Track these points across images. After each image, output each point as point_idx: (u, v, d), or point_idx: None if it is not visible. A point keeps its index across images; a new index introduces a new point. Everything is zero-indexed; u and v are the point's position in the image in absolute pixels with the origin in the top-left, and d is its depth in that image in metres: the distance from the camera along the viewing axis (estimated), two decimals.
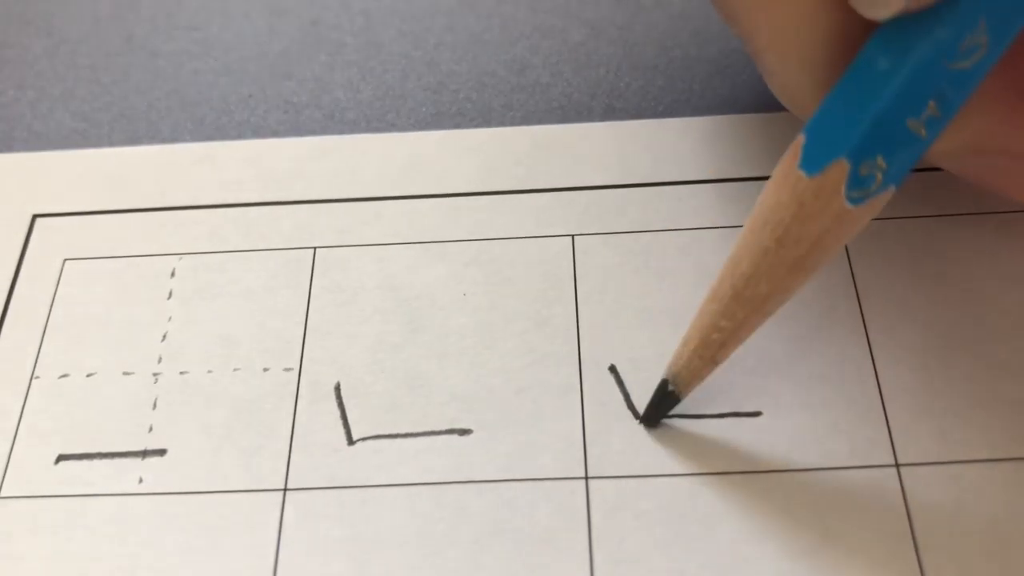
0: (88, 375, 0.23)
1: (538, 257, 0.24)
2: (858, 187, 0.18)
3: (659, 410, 0.21)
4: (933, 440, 0.21)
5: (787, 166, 0.18)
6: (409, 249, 0.25)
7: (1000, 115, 0.19)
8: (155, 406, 0.23)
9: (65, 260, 0.25)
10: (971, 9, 0.17)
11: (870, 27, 0.18)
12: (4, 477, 0.22)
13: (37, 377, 0.23)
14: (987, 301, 0.23)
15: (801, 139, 0.18)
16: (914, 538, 0.20)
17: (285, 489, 0.21)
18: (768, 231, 0.18)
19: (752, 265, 0.19)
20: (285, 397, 0.23)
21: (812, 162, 0.18)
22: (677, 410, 0.22)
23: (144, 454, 0.22)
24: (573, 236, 0.24)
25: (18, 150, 0.27)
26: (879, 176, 0.18)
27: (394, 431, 0.22)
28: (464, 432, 0.22)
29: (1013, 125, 0.19)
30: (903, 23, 0.17)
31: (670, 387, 0.21)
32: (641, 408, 0.22)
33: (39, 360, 0.23)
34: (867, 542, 0.20)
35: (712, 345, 0.20)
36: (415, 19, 0.30)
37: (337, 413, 0.22)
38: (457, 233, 0.25)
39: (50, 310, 0.24)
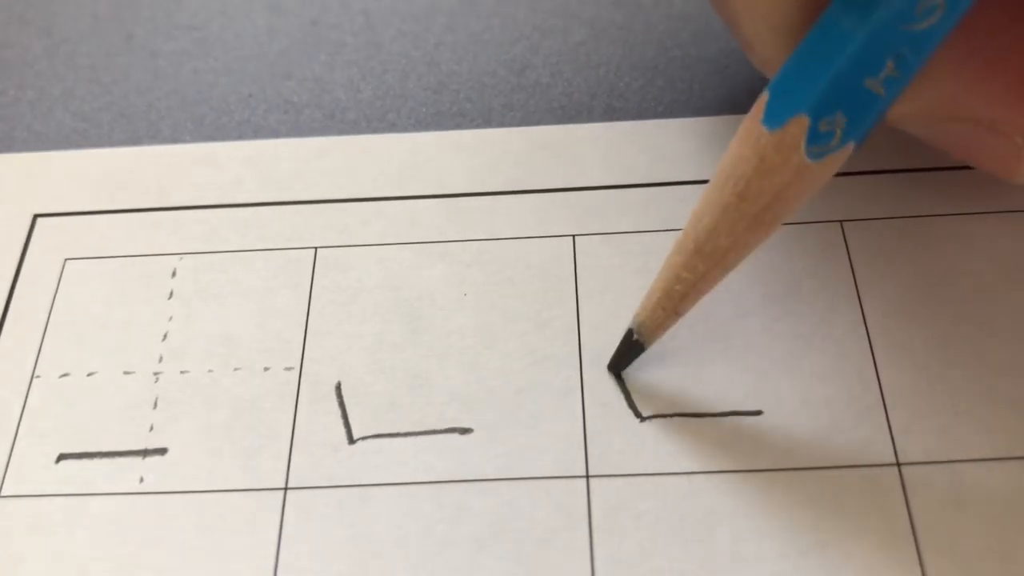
0: (89, 374, 0.23)
1: (539, 257, 0.24)
2: (818, 143, 0.18)
3: (625, 359, 0.22)
4: (934, 439, 0.21)
5: (750, 122, 0.19)
6: (410, 249, 0.25)
7: (964, 82, 0.19)
8: (156, 405, 0.23)
9: (66, 260, 0.25)
10: None
11: None
12: (4, 476, 0.22)
13: (38, 376, 0.23)
14: (987, 300, 0.23)
15: (765, 96, 0.19)
16: (915, 537, 0.20)
17: (286, 488, 0.21)
18: (730, 186, 0.19)
19: (713, 219, 0.19)
20: (286, 397, 0.23)
21: (774, 118, 0.18)
22: (678, 409, 0.22)
23: (145, 453, 0.22)
24: (574, 236, 0.24)
25: (18, 150, 0.27)
26: (838, 132, 0.18)
27: (395, 430, 0.22)
28: (465, 431, 0.22)
29: (977, 93, 0.19)
30: None
31: (635, 336, 0.21)
32: (643, 408, 0.22)
33: (40, 359, 0.23)
34: (868, 541, 0.20)
35: (674, 296, 0.20)
36: (415, 19, 0.30)
37: (338, 412, 0.22)
38: (458, 233, 0.25)
39: (51, 310, 0.24)
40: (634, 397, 0.22)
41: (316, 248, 0.25)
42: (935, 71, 0.18)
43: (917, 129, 0.21)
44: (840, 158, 0.18)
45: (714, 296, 0.23)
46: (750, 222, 0.19)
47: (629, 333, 0.21)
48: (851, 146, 0.18)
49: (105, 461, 0.22)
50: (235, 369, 0.23)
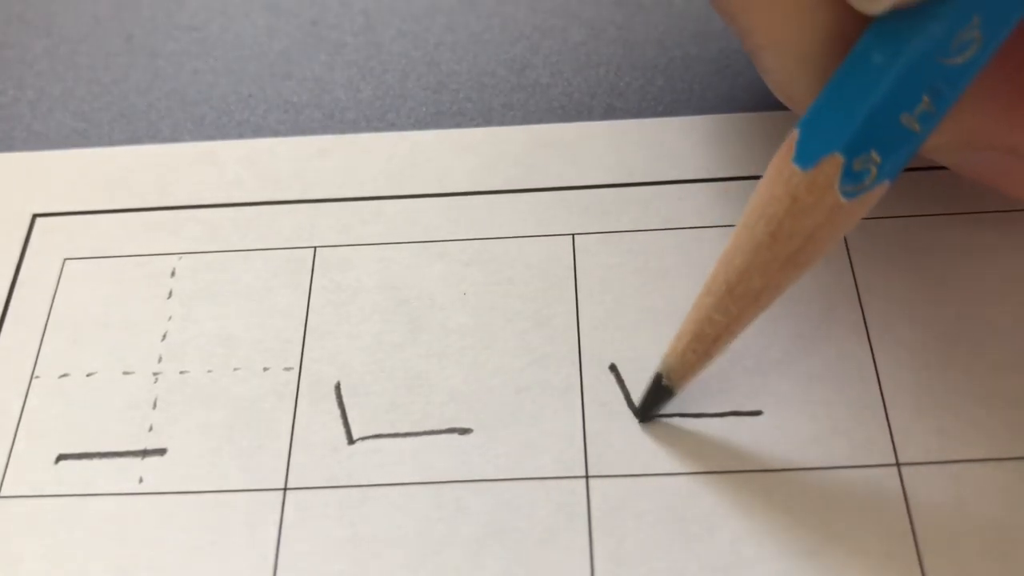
0: (88, 374, 0.23)
1: (538, 256, 0.24)
2: (852, 182, 0.18)
3: (654, 405, 0.21)
4: (934, 439, 0.21)
5: (781, 160, 0.18)
6: (409, 248, 0.25)
7: (996, 112, 0.19)
8: (155, 406, 0.23)
9: (65, 259, 0.25)
10: (964, 5, 0.17)
11: (865, 22, 0.18)
12: (4, 476, 0.22)
13: (37, 376, 0.23)
14: (987, 300, 0.23)
15: (795, 134, 0.18)
16: (915, 537, 0.20)
17: (285, 488, 0.21)
18: (762, 225, 0.18)
19: (746, 260, 0.19)
20: (285, 397, 0.23)
21: (806, 156, 0.18)
22: (677, 409, 0.22)
23: (144, 454, 0.22)
24: (573, 235, 0.24)
25: (18, 150, 0.27)
26: (873, 170, 0.18)
27: (394, 430, 0.22)
28: (464, 431, 0.22)
29: (1009, 122, 0.19)
30: (896, 18, 0.17)
31: (664, 381, 0.21)
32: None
33: (39, 360, 0.23)
34: (868, 541, 0.20)
35: (706, 339, 0.20)
36: (415, 19, 0.30)
37: (337, 412, 0.22)
38: (457, 232, 0.25)
39: (50, 310, 0.24)
40: (634, 397, 0.22)
41: (315, 248, 0.25)
42: (965, 102, 0.18)
43: (943, 158, 0.21)
44: (875, 196, 0.18)
45: None
46: (783, 263, 0.18)
47: (658, 378, 0.21)
48: (886, 184, 0.18)
49: (104, 461, 0.22)
50: (234, 369, 0.23)
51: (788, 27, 0.19)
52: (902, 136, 0.18)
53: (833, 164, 0.18)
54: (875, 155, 0.18)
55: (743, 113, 0.26)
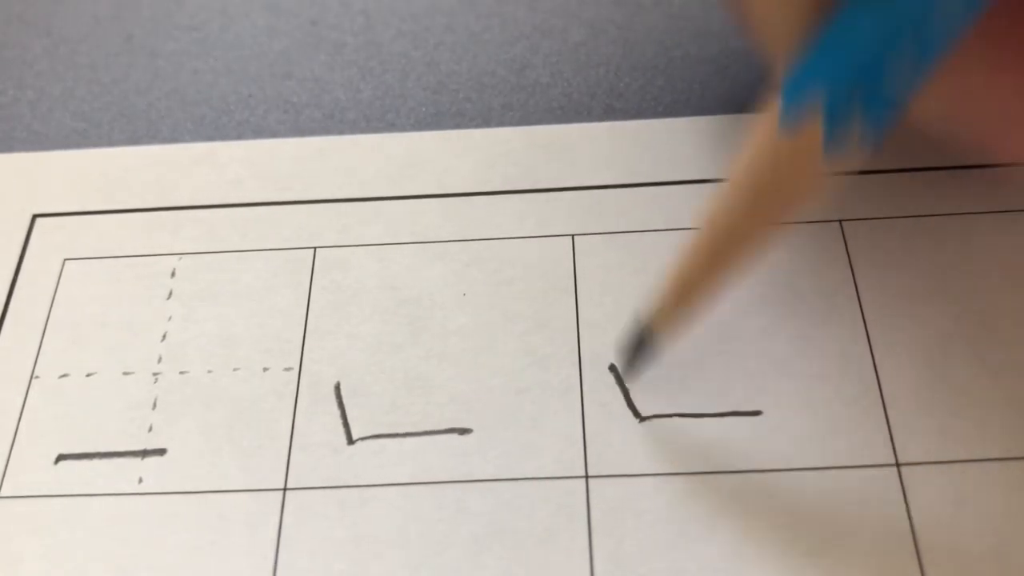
0: (88, 375, 0.23)
1: (538, 257, 0.24)
2: (835, 139, 0.18)
3: (637, 358, 0.21)
4: (933, 439, 0.21)
5: (764, 122, 0.18)
6: (409, 249, 0.24)
7: (983, 73, 0.19)
8: (155, 406, 0.23)
9: (65, 260, 0.25)
10: None
11: None
12: (4, 477, 0.22)
13: (37, 377, 0.23)
14: (987, 300, 0.23)
15: (778, 96, 0.18)
16: (914, 537, 0.20)
17: (285, 489, 0.21)
18: (746, 184, 0.19)
19: (728, 218, 0.19)
20: (285, 397, 0.23)
21: (789, 113, 0.18)
22: (677, 409, 0.22)
23: (144, 454, 0.22)
24: (573, 236, 0.24)
25: (18, 150, 0.27)
26: (857, 128, 0.18)
27: (394, 431, 0.22)
28: (464, 432, 0.22)
29: (995, 84, 0.19)
30: None
31: (645, 333, 0.21)
32: (642, 408, 0.22)
33: (39, 360, 0.23)
34: (867, 541, 0.20)
35: (684, 289, 0.20)
36: (415, 19, 0.30)
37: (337, 413, 0.22)
38: (457, 233, 0.25)
39: (50, 310, 0.24)
40: (633, 397, 0.22)
41: (315, 248, 0.25)
42: (951, 64, 0.18)
43: (927, 120, 0.21)
44: (858, 154, 0.18)
45: None
46: (764, 220, 0.19)
47: (641, 329, 0.21)
48: (869, 142, 0.18)
49: (104, 462, 0.22)
50: (234, 369, 0.23)
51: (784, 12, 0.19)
52: (885, 93, 0.18)
53: (815, 121, 0.18)
54: (858, 112, 0.18)
55: (744, 114, 0.26)
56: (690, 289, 0.20)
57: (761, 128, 0.19)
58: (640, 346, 0.21)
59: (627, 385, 0.22)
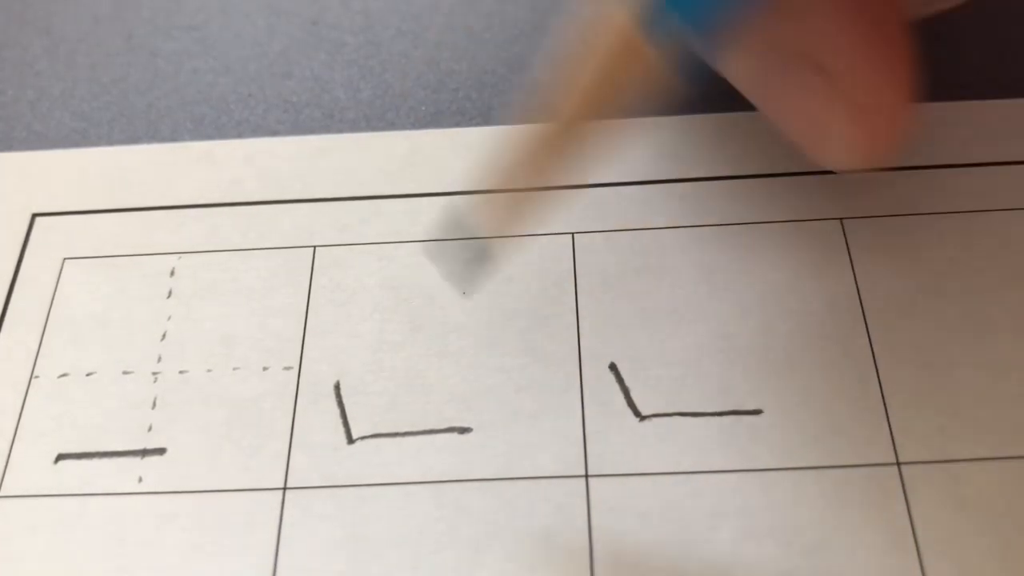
0: (88, 374, 0.23)
1: (538, 255, 0.24)
2: (655, 22, 0.17)
3: (471, 268, 0.20)
4: (934, 438, 0.21)
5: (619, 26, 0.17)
6: (409, 248, 0.24)
7: (834, 22, 0.18)
8: (154, 405, 0.23)
9: (65, 259, 0.25)
10: None
11: None
12: (3, 477, 0.22)
13: (36, 376, 0.23)
14: (989, 299, 0.23)
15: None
16: (915, 537, 0.20)
17: (285, 488, 0.21)
18: (571, 61, 0.18)
19: (557, 100, 0.18)
20: (285, 396, 0.23)
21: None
22: (677, 408, 0.22)
23: (143, 453, 0.22)
24: (573, 234, 0.24)
25: (18, 150, 0.27)
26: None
27: (394, 430, 0.22)
28: (464, 431, 0.22)
29: (838, 35, 0.18)
30: None
31: (478, 242, 0.19)
32: (643, 407, 0.22)
33: (38, 359, 0.23)
34: (868, 541, 0.20)
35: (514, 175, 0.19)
36: (415, 18, 0.30)
37: (337, 412, 0.22)
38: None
39: (49, 309, 0.24)
40: (633, 396, 0.22)
41: (315, 247, 0.25)
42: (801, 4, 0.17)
43: (750, 77, 0.20)
44: (673, 39, 0.17)
45: (713, 295, 0.23)
46: (592, 100, 0.18)
47: (460, 223, 0.19)
48: (687, 30, 0.17)
49: (104, 461, 0.22)
50: (234, 369, 0.23)
51: None
52: None
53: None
54: None
55: (743, 112, 0.26)
56: (520, 181, 0.18)
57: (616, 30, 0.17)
58: (474, 253, 0.20)
59: (623, 384, 0.22)
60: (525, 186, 0.19)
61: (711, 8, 0.17)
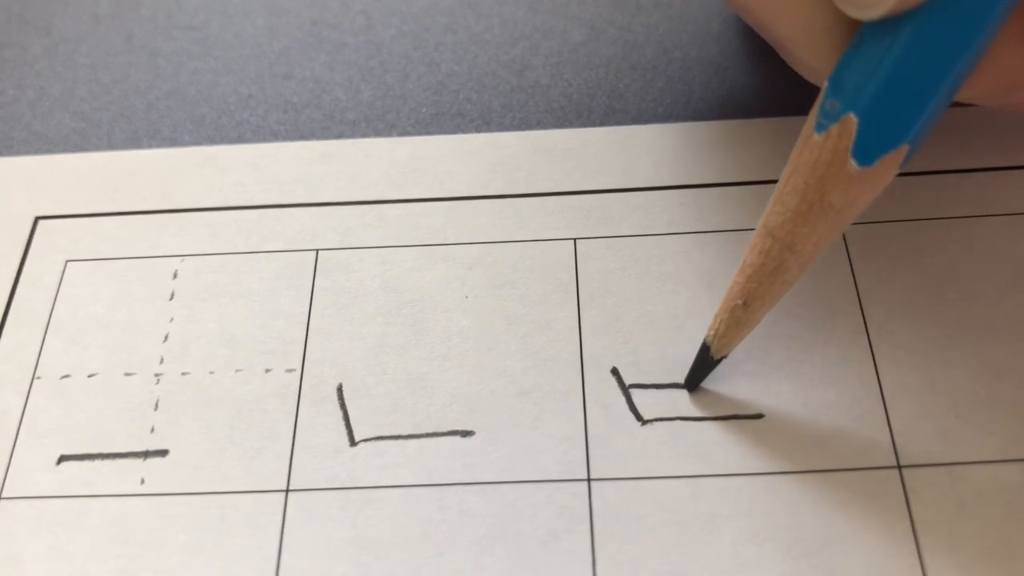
0: (90, 376, 0.23)
1: (540, 260, 0.24)
2: (865, 148, 0.18)
3: (699, 372, 0.22)
4: (935, 441, 0.21)
5: (835, 152, 0.18)
6: (411, 252, 0.25)
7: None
8: (157, 407, 0.23)
9: (67, 261, 0.25)
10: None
11: None
12: (6, 478, 0.22)
13: (39, 378, 0.23)
14: (988, 302, 0.23)
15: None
16: (916, 539, 0.20)
17: (287, 490, 0.21)
18: (789, 186, 0.19)
19: (774, 232, 0.19)
20: (287, 398, 0.23)
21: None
22: (680, 412, 0.22)
23: (146, 455, 0.22)
24: (575, 240, 0.25)
25: (18, 149, 0.27)
26: (891, 140, 0.18)
27: (396, 432, 0.22)
28: (466, 434, 0.22)
29: None
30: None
31: (711, 352, 0.21)
32: (643, 410, 0.22)
33: (41, 361, 0.23)
34: (869, 543, 0.20)
35: (738, 307, 0.20)
36: (415, 19, 0.30)
37: (339, 414, 0.22)
38: (459, 236, 0.25)
39: (52, 311, 0.24)
40: (635, 400, 0.22)
41: (317, 250, 0.25)
42: (994, 49, 0.18)
43: (979, 102, 0.21)
44: (894, 160, 0.18)
45: (714, 300, 0.23)
46: (832, 230, 0.19)
47: (704, 347, 0.21)
48: (904, 148, 0.18)
49: (106, 463, 0.22)
50: (236, 371, 0.23)
51: (803, 15, 0.19)
52: (921, 110, 0.18)
53: (847, 130, 0.18)
54: (893, 123, 0.18)
55: (745, 119, 0.26)
56: (740, 307, 0.20)
57: (829, 154, 0.18)
58: (704, 361, 0.22)
59: (625, 389, 0.22)
60: (756, 316, 0.20)
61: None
